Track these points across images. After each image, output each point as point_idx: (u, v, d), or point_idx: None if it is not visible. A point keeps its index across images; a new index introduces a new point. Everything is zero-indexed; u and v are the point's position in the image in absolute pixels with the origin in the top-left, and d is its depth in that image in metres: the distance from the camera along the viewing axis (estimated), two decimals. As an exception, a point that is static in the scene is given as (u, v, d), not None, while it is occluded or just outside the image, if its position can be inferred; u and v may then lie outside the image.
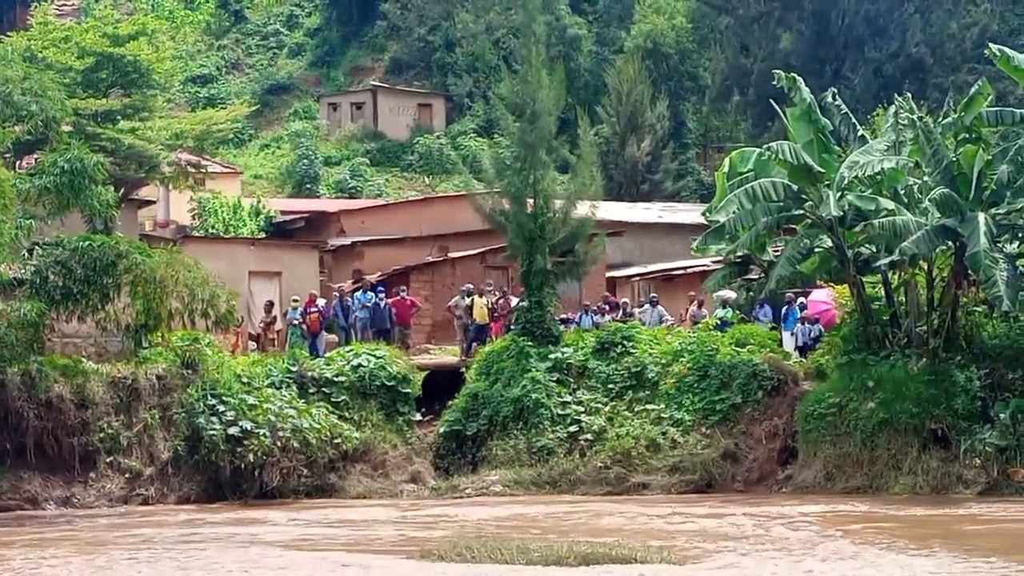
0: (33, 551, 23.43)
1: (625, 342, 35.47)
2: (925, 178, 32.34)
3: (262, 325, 39.43)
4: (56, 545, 24.24)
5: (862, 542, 23.12)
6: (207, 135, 53.04)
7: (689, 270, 44.69)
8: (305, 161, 71.74)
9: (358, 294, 39.03)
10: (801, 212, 33.12)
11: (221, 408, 32.35)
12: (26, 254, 32.39)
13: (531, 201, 36.06)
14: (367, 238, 49.41)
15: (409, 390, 35.09)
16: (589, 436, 33.64)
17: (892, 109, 34.03)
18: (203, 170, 53.93)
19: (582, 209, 36.75)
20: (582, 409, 34.27)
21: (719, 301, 37.16)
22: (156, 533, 25.98)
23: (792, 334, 35.90)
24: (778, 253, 33.62)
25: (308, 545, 24.21)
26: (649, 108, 70.91)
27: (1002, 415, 30.32)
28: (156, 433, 32.15)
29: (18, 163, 40.24)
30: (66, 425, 31.24)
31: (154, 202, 54.63)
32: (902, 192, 32.74)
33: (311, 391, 34.26)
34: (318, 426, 33.00)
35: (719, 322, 36.11)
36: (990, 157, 31.83)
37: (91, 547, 24.00)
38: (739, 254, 34.65)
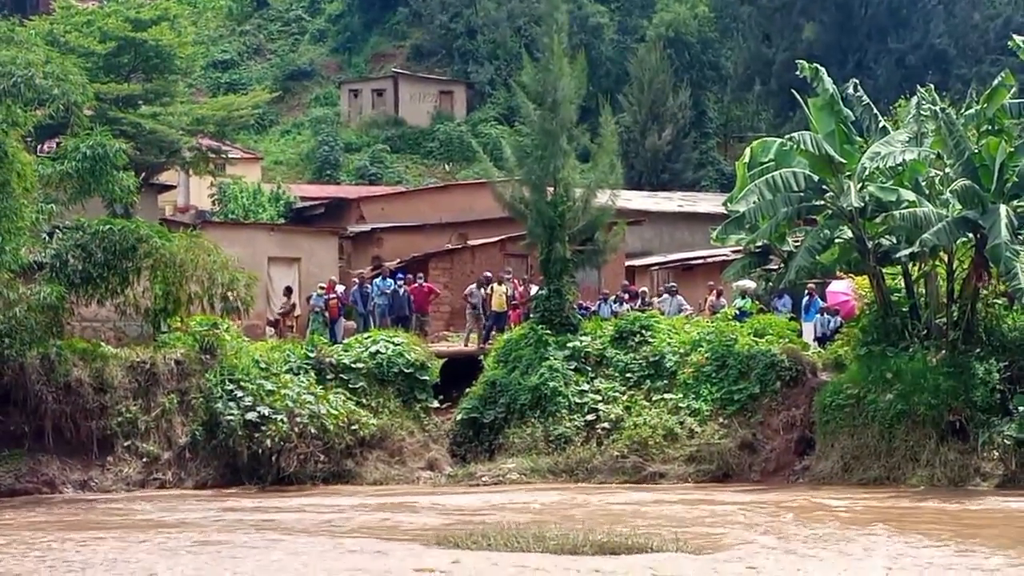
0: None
1: (643, 331, 35.45)
2: (947, 170, 32.22)
3: (281, 311, 39.48)
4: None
5: (877, 533, 23.07)
6: (228, 120, 53.19)
7: (708, 260, 44.66)
8: (325, 147, 71.94)
9: (377, 281, 39.06)
10: (822, 203, 33.05)
11: (239, 393, 32.40)
12: (46, 238, 32.46)
13: (551, 189, 36.04)
14: (387, 225, 49.45)
15: (427, 377, 35.12)
16: (606, 425, 33.62)
17: (914, 100, 33.92)
18: (224, 155, 54.06)
19: (602, 198, 36.73)
20: (600, 398, 34.26)
21: (738, 291, 37.12)
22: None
23: (814, 325, 35.87)
24: (798, 243, 33.51)
25: (325, 530, 24.26)
26: (670, 97, 70.90)
27: (1021, 408, 30.22)
28: (174, 418, 32.19)
29: (39, 147, 40.35)
30: (84, 409, 31.31)
31: (174, 187, 54.80)
32: (923, 183, 32.64)
33: (329, 377, 34.29)
34: (335, 412, 33.02)
35: (738, 312, 36.07)
36: (1012, 149, 31.70)
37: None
38: (759, 244, 34.53)
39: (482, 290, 38.40)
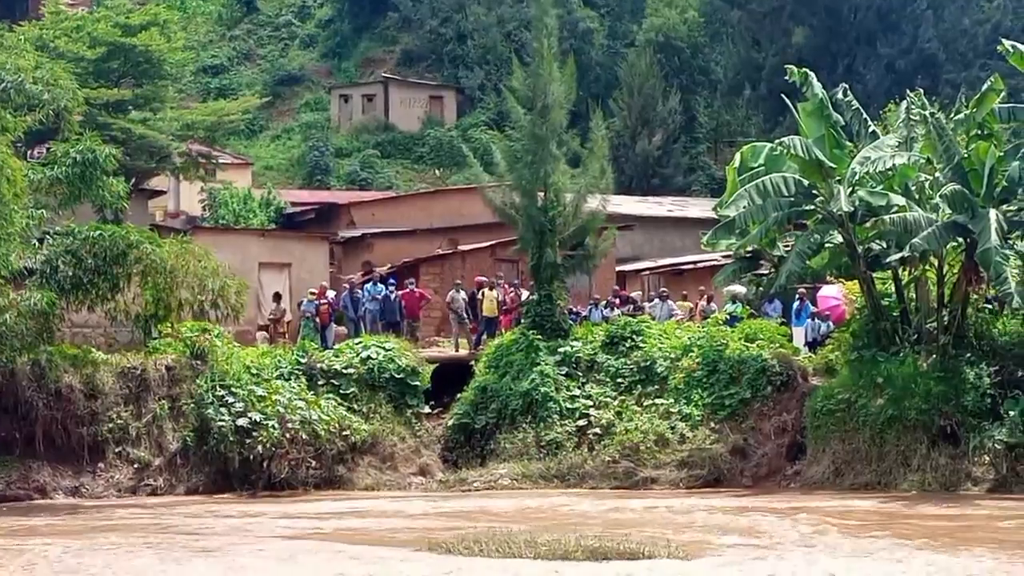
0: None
1: (634, 336, 35.46)
2: (936, 174, 32.25)
3: (270, 317, 39.44)
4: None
5: (869, 538, 23.08)
6: (218, 126, 53.31)
7: (699, 265, 44.67)
8: (316, 152, 71.93)
9: (368, 286, 39.06)
10: (812, 207, 33.07)
11: (230, 399, 32.36)
12: (36, 243, 32.43)
13: (541, 194, 36.06)
14: (377, 230, 49.48)
15: (418, 383, 35.11)
16: (598, 430, 33.63)
17: (904, 105, 33.94)
18: (214, 161, 54.10)
19: (592, 203, 36.74)
20: (591, 403, 34.25)
21: (729, 296, 37.13)
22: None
23: (804, 329, 35.90)
24: (788, 248, 33.54)
25: (317, 536, 24.23)
26: (660, 102, 70.91)
27: (1011, 412, 30.23)
28: (165, 424, 32.22)
29: (29, 152, 40.29)
30: (75, 415, 31.32)
31: (165, 192, 54.79)
32: (913, 188, 32.67)
33: (320, 383, 34.27)
34: (327, 418, 33.00)
35: (729, 317, 36.09)
36: (1002, 153, 31.71)
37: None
38: (749, 249, 34.55)
39: (462, 294, 38.43)
